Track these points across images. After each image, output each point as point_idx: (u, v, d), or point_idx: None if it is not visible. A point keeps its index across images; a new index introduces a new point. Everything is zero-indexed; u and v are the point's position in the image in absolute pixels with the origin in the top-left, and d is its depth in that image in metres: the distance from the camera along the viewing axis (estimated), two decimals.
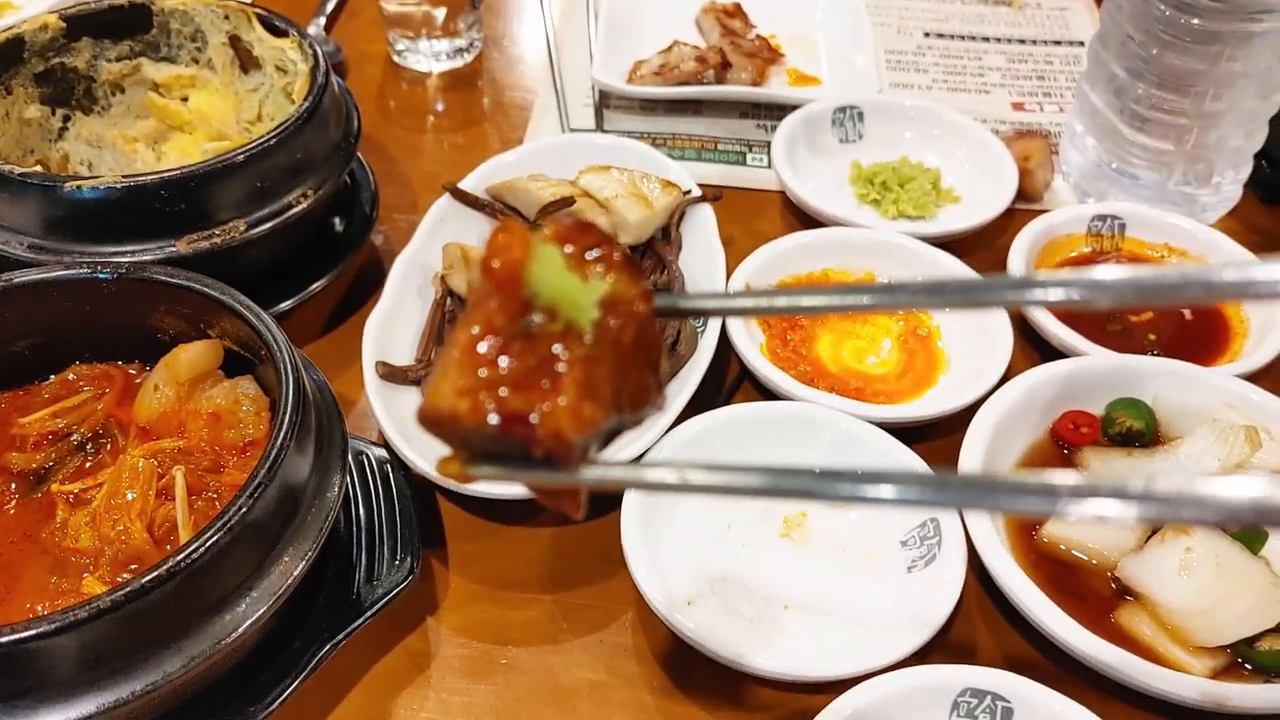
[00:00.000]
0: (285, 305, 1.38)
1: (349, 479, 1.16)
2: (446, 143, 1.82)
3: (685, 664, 1.10)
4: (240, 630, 0.92)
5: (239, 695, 1.00)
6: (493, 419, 0.50)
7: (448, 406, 0.51)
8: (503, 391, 0.51)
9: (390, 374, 1.26)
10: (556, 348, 0.51)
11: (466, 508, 1.23)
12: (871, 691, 1.01)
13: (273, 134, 1.28)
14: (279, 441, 0.96)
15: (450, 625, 1.14)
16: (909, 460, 1.20)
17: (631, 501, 1.14)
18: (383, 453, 1.20)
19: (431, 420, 0.53)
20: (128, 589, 0.86)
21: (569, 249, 0.55)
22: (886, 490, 0.51)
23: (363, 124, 1.47)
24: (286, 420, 0.98)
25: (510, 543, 1.21)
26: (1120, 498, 0.46)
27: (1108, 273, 0.52)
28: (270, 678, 1.01)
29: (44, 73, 1.47)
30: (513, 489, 1.15)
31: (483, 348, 0.52)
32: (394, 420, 1.20)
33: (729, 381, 1.38)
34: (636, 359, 0.55)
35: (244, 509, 0.91)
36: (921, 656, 1.06)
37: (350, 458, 1.17)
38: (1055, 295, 0.53)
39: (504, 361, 0.51)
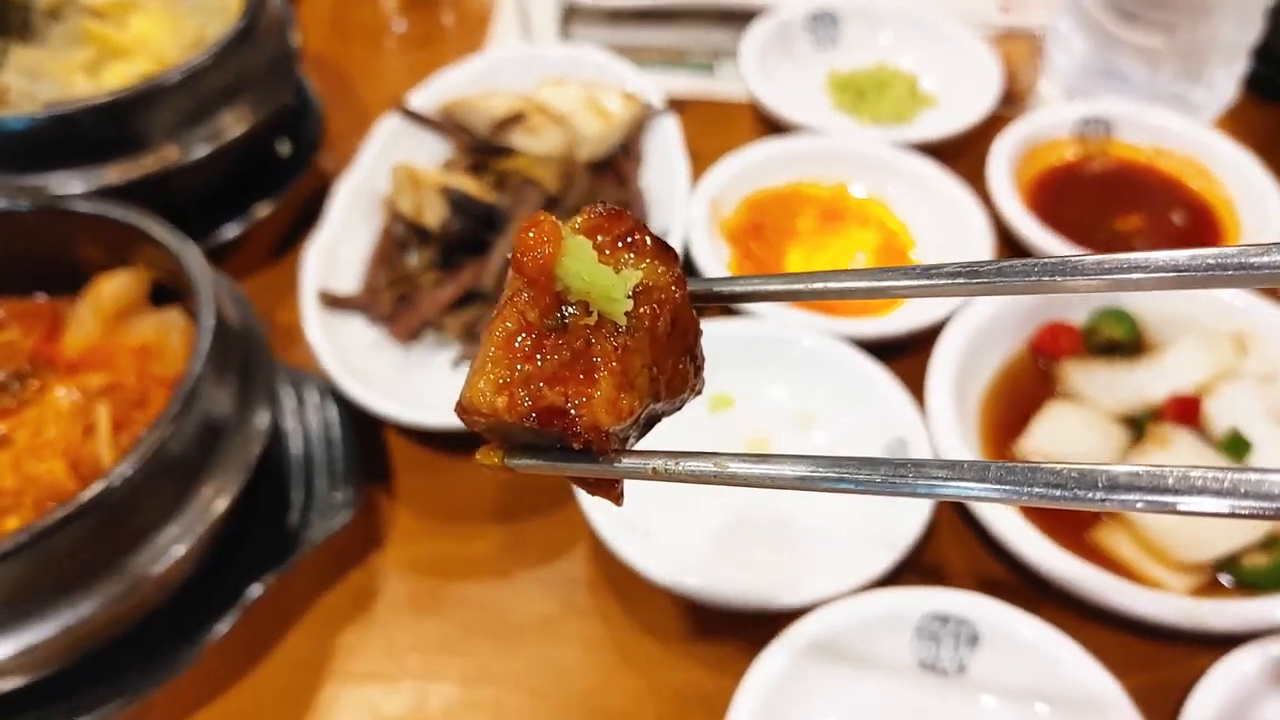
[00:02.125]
0: (230, 232, 1.33)
1: (285, 412, 1.12)
2: (405, 63, 1.75)
3: (639, 594, 1.06)
4: (159, 568, 0.89)
5: (169, 635, 0.96)
6: (530, 414, 0.51)
7: (486, 403, 0.51)
8: (539, 386, 0.51)
9: (334, 302, 1.21)
10: (591, 340, 0.51)
11: (415, 440, 1.19)
12: (829, 618, 0.96)
13: (202, 56, 1.22)
14: (194, 374, 0.91)
15: (396, 561, 1.10)
16: (879, 377, 1.14)
17: None
18: (324, 385, 1.14)
19: (470, 416, 0.53)
20: (33, 530, 0.82)
21: (600, 238, 0.54)
22: (930, 484, 0.48)
23: (316, 47, 1.41)
24: (201, 352, 0.93)
25: (459, 475, 1.16)
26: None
27: (1149, 257, 0.48)
28: (201, 617, 0.98)
29: None
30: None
31: (518, 343, 0.52)
32: (336, 351, 1.15)
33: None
34: (672, 345, 0.54)
35: (155, 444, 0.87)
36: (890, 580, 1.01)
37: (290, 390, 1.13)
38: (1096, 282, 0.49)
39: (539, 356, 0.51)
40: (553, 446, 0.53)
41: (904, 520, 1.03)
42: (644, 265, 0.54)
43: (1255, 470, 0.40)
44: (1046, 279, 0.50)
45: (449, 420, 1.09)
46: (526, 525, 1.12)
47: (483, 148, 1.35)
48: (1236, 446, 1.10)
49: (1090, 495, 0.43)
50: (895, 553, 1.01)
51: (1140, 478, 0.42)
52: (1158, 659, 1.02)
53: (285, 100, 1.36)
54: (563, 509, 1.11)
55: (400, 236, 1.29)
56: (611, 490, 0.56)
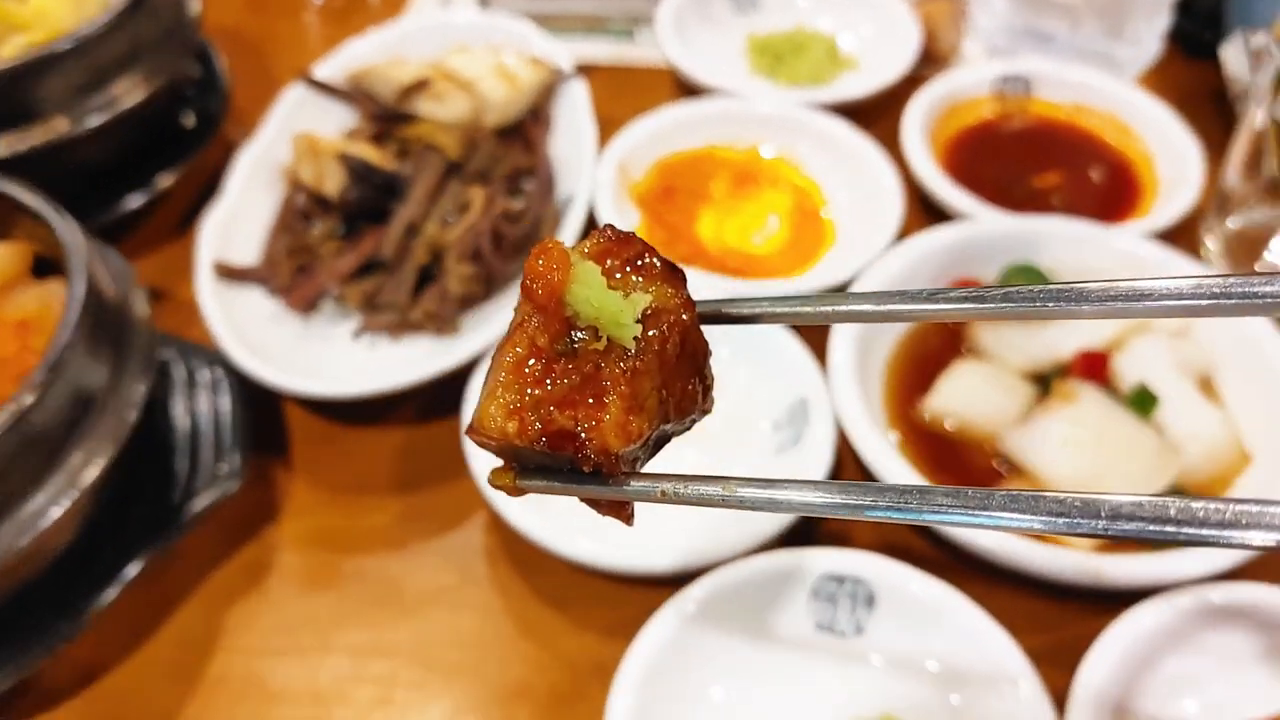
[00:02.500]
0: (133, 203, 1.31)
1: (174, 385, 1.09)
2: (324, 36, 1.72)
3: (537, 563, 1.04)
4: (27, 539, 0.86)
5: (49, 611, 0.94)
6: (541, 437, 0.51)
7: (497, 427, 0.52)
8: (550, 410, 0.51)
9: (230, 274, 1.18)
10: (601, 364, 0.52)
11: (313, 412, 1.17)
12: (722, 580, 0.94)
13: (91, 25, 1.19)
14: (61, 343, 0.89)
15: (291, 535, 1.08)
16: (783, 338, 1.13)
17: (472, 395, 1.07)
18: (217, 357, 1.12)
19: (481, 439, 0.54)
20: None
21: (609, 263, 0.55)
22: (935, 511, 0.48)
23: (233, 20, 1.38)
24: (70, 322, 0.91)
25: (357, 446, 1.14)
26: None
27: (1153, 285, 0.48)
28: (81, 593, 0.95)
29: None
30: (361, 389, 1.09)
31: (528, 368, 0.52)
32: (229, 323, 1.13)
33: None
34: (681, 368, 0.55)
35: (17, 413, 0.84)
36: (791, 543, 1.00)
37: (180, 364, 1.11)
38: (1102, 309, 0.50)
39: (549, 380, 0.52)
40: (564, 468, 0.54)
41: None
42: (653, 289, 0.54)
43: (1255, 502, 0.40)
44: (1052, 304, 0.51)
45: (342, 390, 1.08)
46: (424, 496, 1.10)
47: (388, 116, 1.33)
48: (1143, 401, 1.08)
49: (1092, 524, 0.43)
50: (787, 515, 0.99)
51: (1143, 508, 0.42)
52: (1059, 619, 1.00)
53: (184, 70, 1.33)
54: (460, 479, 1.09)
55: (302, 207, 1.26)
56: (622, 511, 0.56)
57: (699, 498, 0.53)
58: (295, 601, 1.03)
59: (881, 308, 0.55)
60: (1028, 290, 0.51)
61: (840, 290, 1.16)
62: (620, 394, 0.51)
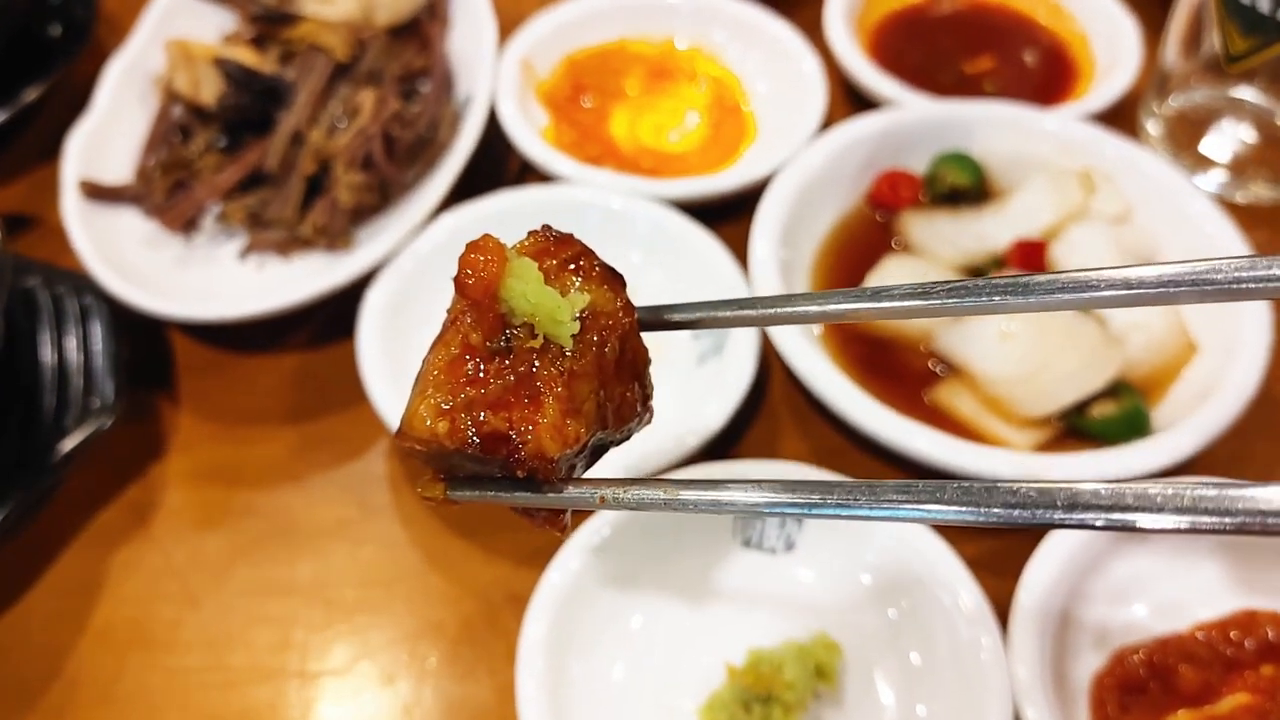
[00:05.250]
0: None
1: (41, 316, 1.00)
2: None
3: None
4: None
5: None
6: (474, 440, 0.49)
7: (428, 429, 0.49)
8: (483, 412, 0.49)
9: (98, 193, 1.09)
10: (536, 364, 0.50)
11: (199, 339, 1.08)
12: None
13: None
14: None
15: (178, 471, 1.00)
16: (701, 241, 1.05)
17: (369, 321, 0.99)
18: (88, 284, 1.03)
19: (409, 443, 0.51)
20: None
21: (547, 262, 0.53)
22: (887, 507, 0.47)
23: None
24: None
25: (248, 375, 1.06)
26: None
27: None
28: None
29: None
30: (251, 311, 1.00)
31: (460, 367, 0.50)
32: (98, 247, 1.04)
33: (512, 170, 1.22)
34: (620, 373, 0.53)
35: None
36: (716, 456, 0.93)
37: (45, 293, 1.02)
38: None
39: (483, 381, 0.49)
40: (496, 475, 0.51)
41: (723, 390, 0.95)
42: (591, 290, 0.52)
43: (1214, 484, 0.39)
44: (1000, 299, 0.50)
45: (222, 312, 0.99)
46: (320, 424, 1.03)
47: (270, 17, 1.22)
48: None
49: (1049, 515, 0.42)
50: (710, 429, 0.93)
51: (1101, 496, 0.41)
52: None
53: None
54: (359, 405, 1.01)
55: (178, 119, 1.16)
56: (557, 521, 0.54)
57: (639, 502, 0.50)
58: (183, 542, 0.95)
59: (824, 308, 0.54)
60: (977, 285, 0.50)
61: (761, 187, 1.08)
62: (557, 395, 0.49)
